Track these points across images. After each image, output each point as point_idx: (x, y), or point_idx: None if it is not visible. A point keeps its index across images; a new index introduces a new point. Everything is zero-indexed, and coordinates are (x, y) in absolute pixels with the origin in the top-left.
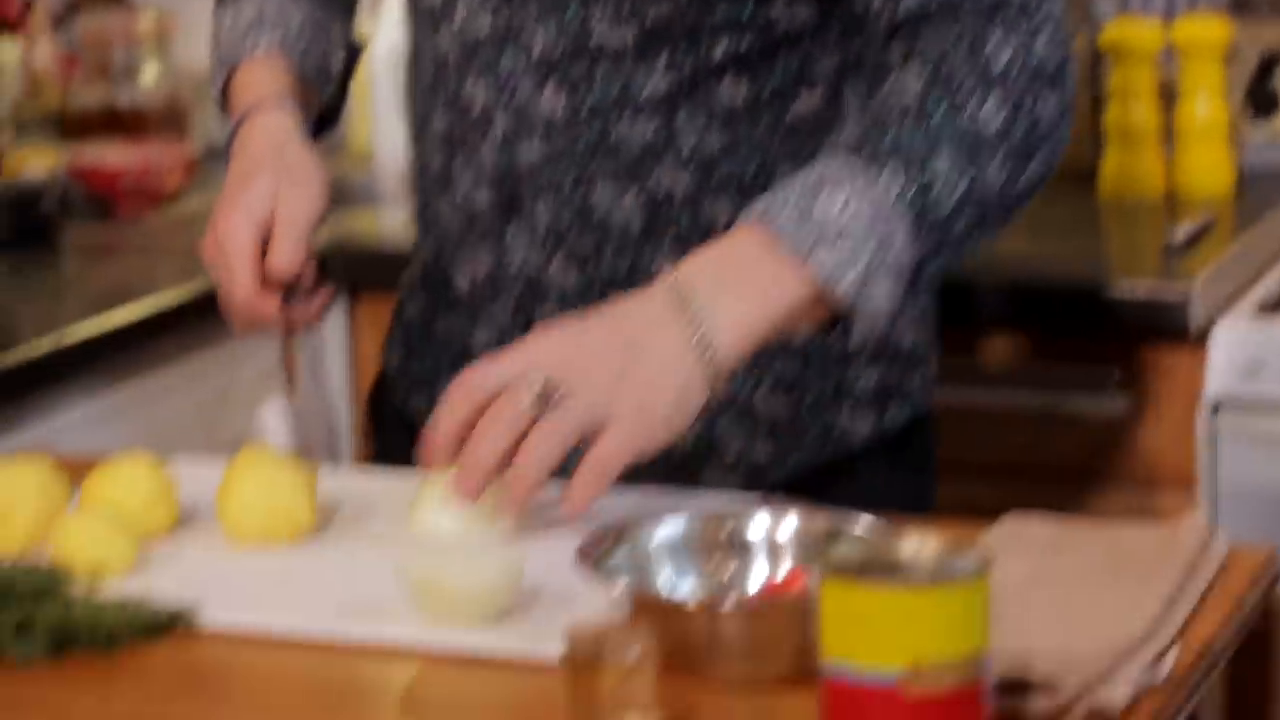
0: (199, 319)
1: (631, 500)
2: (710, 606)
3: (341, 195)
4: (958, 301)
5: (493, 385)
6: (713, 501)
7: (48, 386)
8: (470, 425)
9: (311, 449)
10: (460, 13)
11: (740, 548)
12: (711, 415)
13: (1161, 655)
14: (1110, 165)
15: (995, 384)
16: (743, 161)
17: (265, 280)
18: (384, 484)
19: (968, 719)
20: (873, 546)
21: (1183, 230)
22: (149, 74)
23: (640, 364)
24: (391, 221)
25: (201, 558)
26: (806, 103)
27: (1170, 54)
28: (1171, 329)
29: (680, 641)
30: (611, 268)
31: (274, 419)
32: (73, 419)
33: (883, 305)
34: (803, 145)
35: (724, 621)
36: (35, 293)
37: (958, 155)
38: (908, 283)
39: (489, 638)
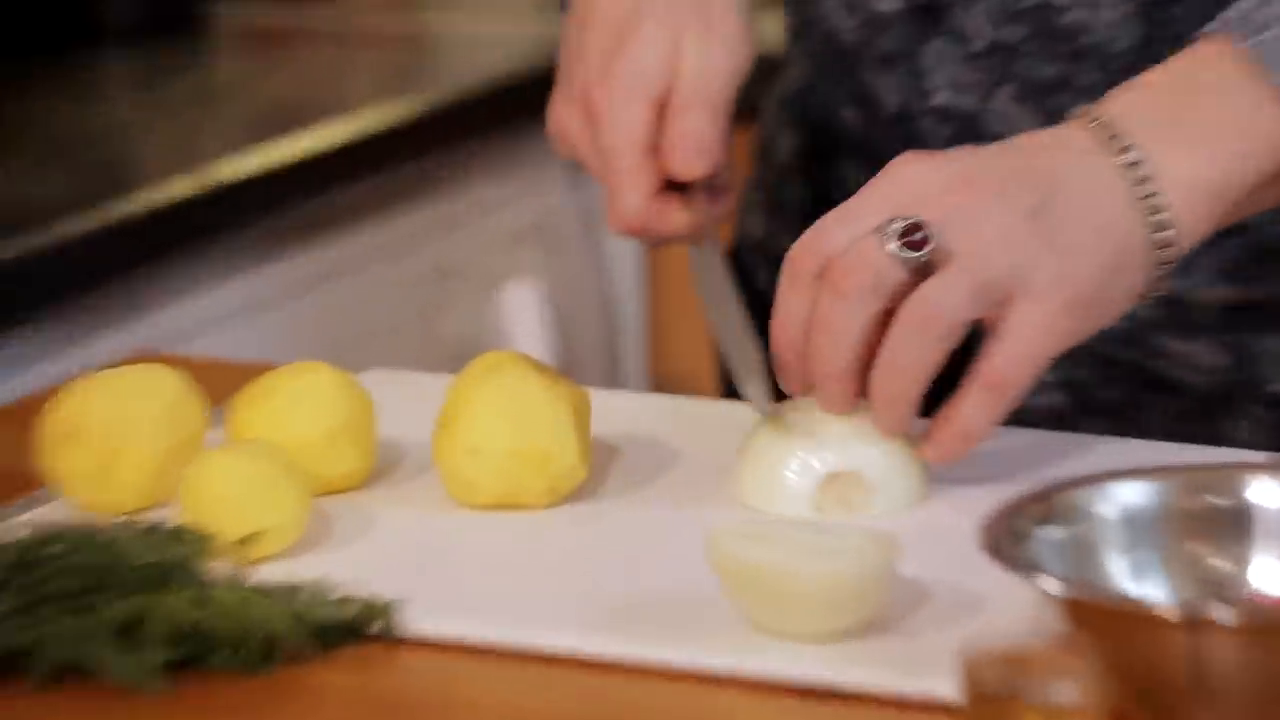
0: (410, 151)
1: (1057, 445)
2: (1195, 617)
3: None
4: None
5: (841, 246)
6: (1196, 455)
7: (177, 255)
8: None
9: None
10: None
11: (1239, 528)
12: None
13: None
14: None
15: None
16: None
17: (665, 180)
18: (697, 415)
19: None
20: None
21: None
22: None
23: (1057, 217)
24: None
25: (408, 526)
26: None
27: None
28: None
29: (1146, 671)
30: (1076, 99)
31: (522, 310)
32: (215, 307)
33: None
34: None
35: (1217, 641)
36: (164, 107)
37: None
38: None
39: (844, 662)
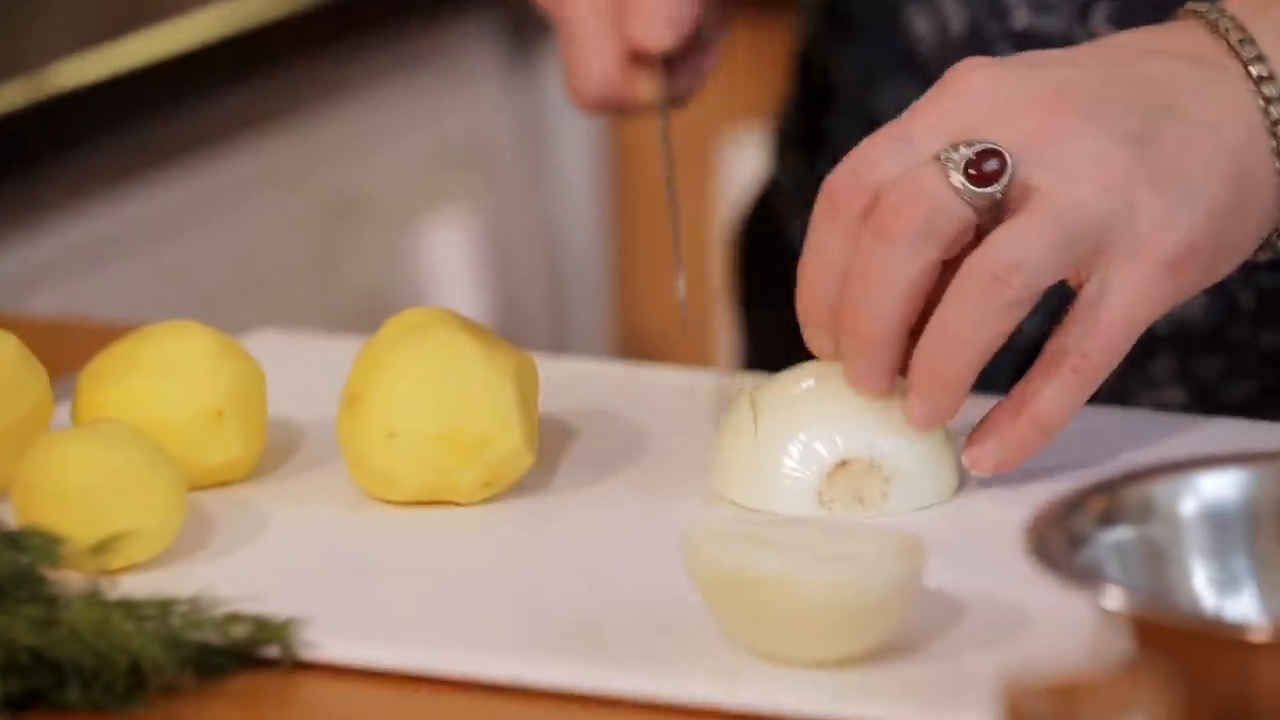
0: (299, 50)
1: (1123, 424)
2: None
3: None
4: None
5: (891, 176)
6: None
7: (5, 185)
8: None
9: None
10: None
11: None
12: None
13: None
14: None
15: None
16: None
17: (635, 51)
18: (671, 387)
19: None
20: None
21: None
22: None
23: (1167, 144)
24: None
25: (307, 527)
26: None
27: None
28: None
29: (1231, 703)
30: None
31: (447, 254)
32: (55, 251)
33: None
34: None
35: None
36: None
37: None
38: None
39: (855, 692)
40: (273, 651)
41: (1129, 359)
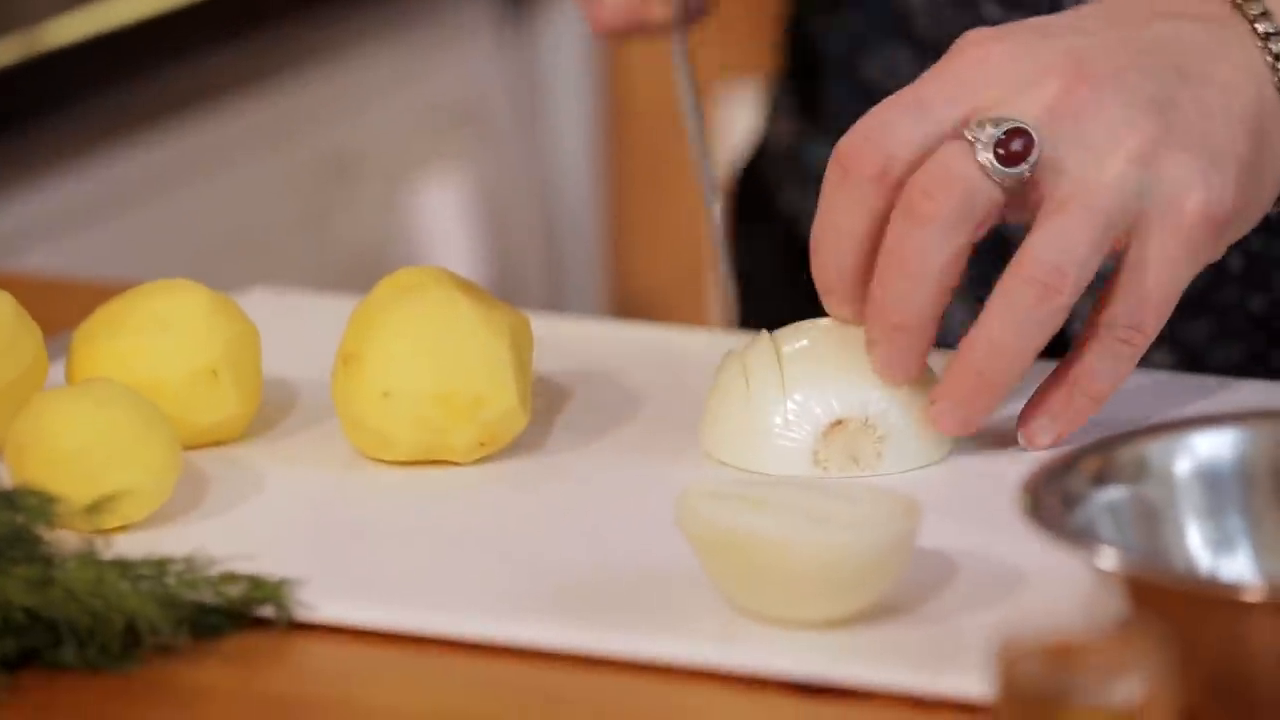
0: (294, 6)
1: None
2: None
3: None
4: None
5: (908, 142)
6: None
7: (5, 143)
8: (874, 239)
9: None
10: None
11: None
12: None
13: None
14: None
15: None
16: None
17: None
18: (667, 346)
19: None
20: None
21: None
22: None
23: (1187, 108)
24: None
25: (302, 487)
26: None
27: None
28: None
29: (1225, 663)
30: None
31: (442, 212)
32: (50, 208)
33: None
34: None
35: None
36: None
37: None
38: None
39: (850, 653)
40: (267, 611)
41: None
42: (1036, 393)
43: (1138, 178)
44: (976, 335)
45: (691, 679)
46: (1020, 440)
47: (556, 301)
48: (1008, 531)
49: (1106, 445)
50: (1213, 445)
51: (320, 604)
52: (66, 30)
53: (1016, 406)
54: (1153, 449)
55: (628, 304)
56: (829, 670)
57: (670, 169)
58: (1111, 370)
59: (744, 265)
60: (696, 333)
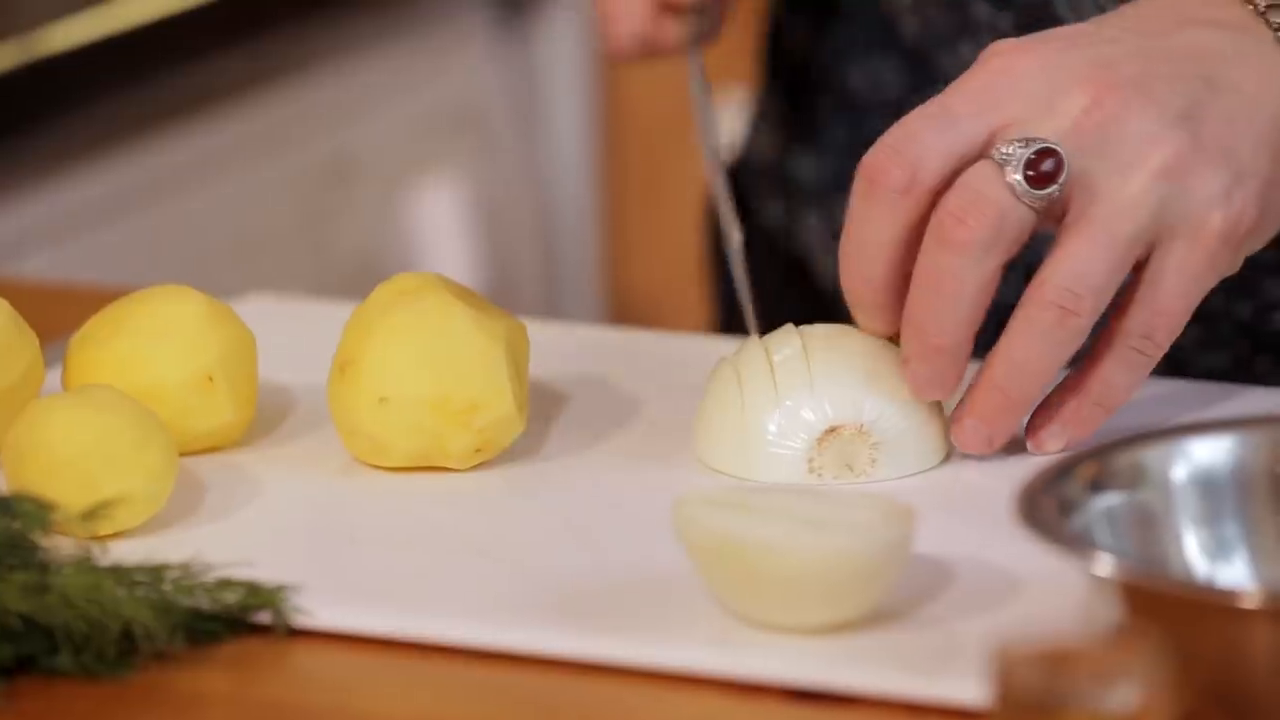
0: (292, 13)
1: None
2: None
3: None
4: None
5: (935, 155)
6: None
7: (3, 148)
8: (903, 250)
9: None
10: None
11: None
12: None
13: None
14: None
15: None
16: None
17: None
18: (663, 352)
19: None
20: None
21: None
22: None
23: (1213, 120)
24: None
25: (299, 493)
26: None
27: None
28: None
29: (1223, 670)
30: None
31: (439, 218)
32: (47, 214)
33: None
34: None
35: None
36: None
37: None
38: None
39: (846, 659)
40: (264, 617)
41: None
42: (1047, 399)
43: (1163, 192)
44: (998, 354)
45: (688, 685)
46: (1029, 445)
47: (553, 307)
48: (1004, 537)
49: (1103, 451)
50: (1209, 451)
51: (317, 610)
52: (64, 36)
53: None
54: (1149, 455)
55: (624, 310)
56: (825, 676)
57: (666, 175)
58: (1124, 380)
59: (726, 280)
60: (692, 338)
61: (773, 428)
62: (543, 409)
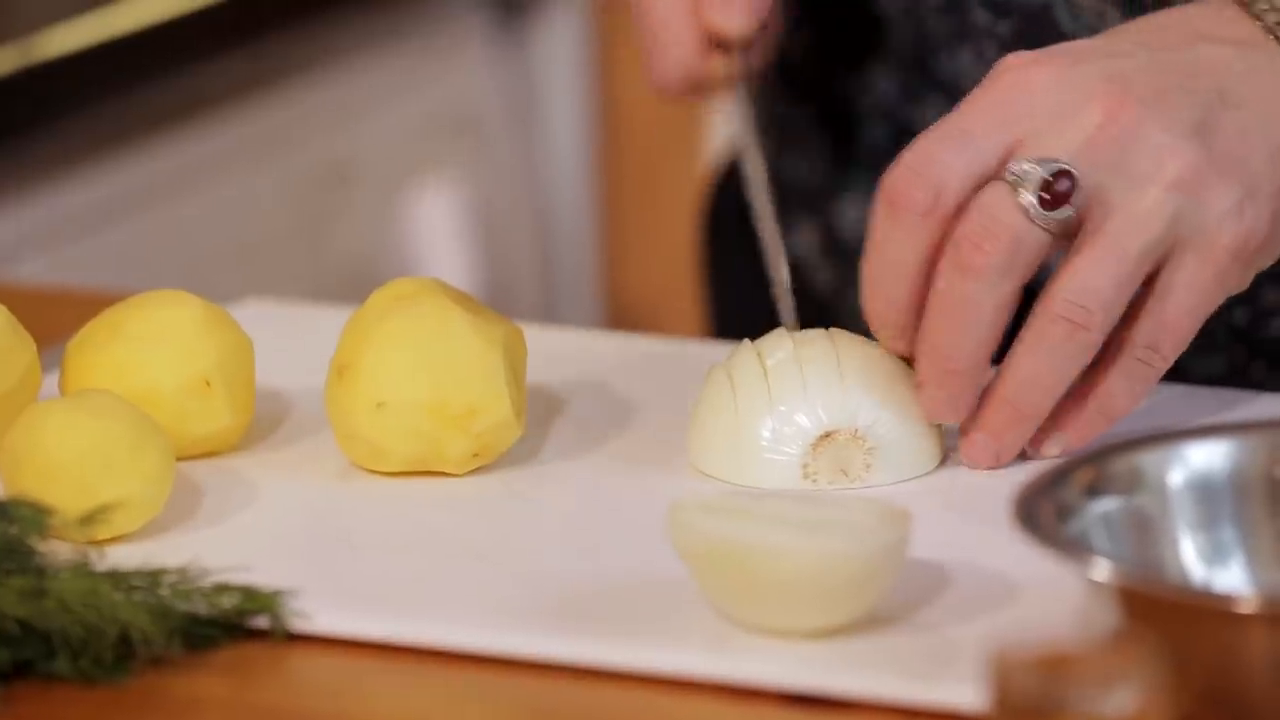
0: (289, 18)
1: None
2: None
3: None
4: None
5: (954, 174)
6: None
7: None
8: (926, 270)
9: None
10: None
11: None
12: None
13: None
14: None
15: None
16: None
17: (713, 37)
18: (661, 357)
19: None
20: None
21: None
22: None
23: (1224, 135)
24: None
25: (296, 498)
26: None
27: None
28: None
29: (1219, 674)
30: None
31: (436, 222)
32: (44, 218)
33: None
34: None
35: None
36: None
37: None
38: None
39: (842, 663)
40: (261, 622)
41: None
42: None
43: (1176, 205)
44: (1008, 368)
45: (683, 689)
46: (1028, 450)
47: (550, 312)
48: (1001, 541)
49: (1100, 456)
50: (1206, 456)
51: (314, 615)
52: (61, 41)
53: None
54: (1146, 460)
55: (621, 315)
56: (821, 680)
57: (663, 180)
58: (1128, 389)
59: (719, 284)
60: (690, 343)
61: (766, 433)
62: (540, 413)
